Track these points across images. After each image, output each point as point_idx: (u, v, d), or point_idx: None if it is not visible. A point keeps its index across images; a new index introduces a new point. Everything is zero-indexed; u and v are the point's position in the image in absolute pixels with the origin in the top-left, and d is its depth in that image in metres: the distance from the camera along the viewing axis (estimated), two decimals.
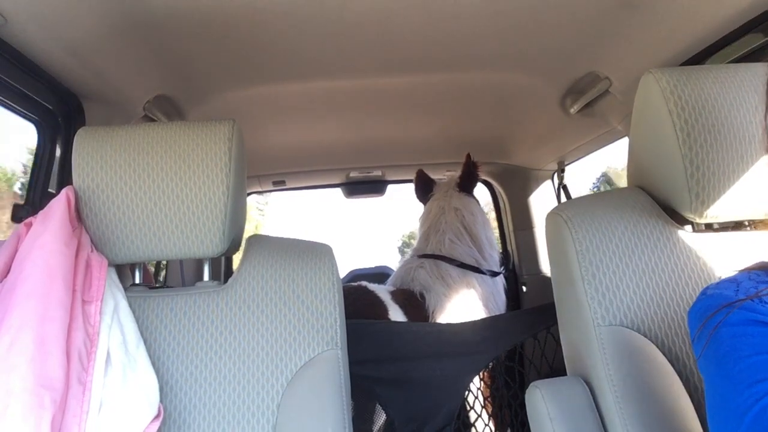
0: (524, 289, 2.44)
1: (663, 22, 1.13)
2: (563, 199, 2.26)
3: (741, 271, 0.64)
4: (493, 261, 2.10)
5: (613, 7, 1.14)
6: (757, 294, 0.57)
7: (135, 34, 1.13)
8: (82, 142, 0.95)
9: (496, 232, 2.48)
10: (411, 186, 2.37)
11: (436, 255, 1.99)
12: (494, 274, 2.06)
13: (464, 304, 1.89)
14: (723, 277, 0.67)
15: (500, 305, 2.04)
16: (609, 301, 0.83)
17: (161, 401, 0.85)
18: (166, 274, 2.10)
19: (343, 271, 2.86)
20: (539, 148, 2.20)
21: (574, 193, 2.24)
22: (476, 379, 1.69)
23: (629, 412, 0.76)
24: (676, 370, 0.79)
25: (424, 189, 2.26)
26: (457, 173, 2.20)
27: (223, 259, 2.33)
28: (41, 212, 0.90)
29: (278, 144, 2.09)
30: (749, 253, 0.88)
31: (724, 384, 0.55)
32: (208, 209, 0.94)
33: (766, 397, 0.50)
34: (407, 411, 1.54)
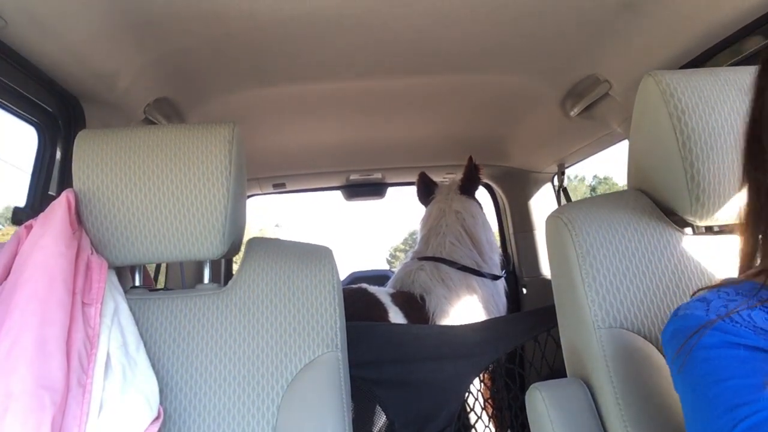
0: (524, 291, 2.44)
1: (663, 24, 1.13)
2: (563, 201, 2.26)
3: (710, 289, 0.63)
4: (494, 263, 2.10)
5: (612, 10, 1.14)
6: (728, 314, 0.56)
7: (135, 37, 1.14)
8: (83, 145, 0.95)
9: (497, 235, 2.48)
10: (408, 189, 2.37)
11: (437, 257, 1.99)
12: (495, 277, 2.05)
13: (464, 307, 1.89)
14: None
15: (500, 308, 2.03)
16: (609, 303, 0.83)
17: (161, 403, 0.85)
18: (166, 277, 2.10)
19: (342, 274, 2.86)
20: (539, 150, 2.20)
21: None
22: (476, 381, 1.68)
23: (629, 413, 0.76)
24: None
25: (426, 191, 2.26)
26: (458, 176, 2.20)
27: (223, 261, 2.33)
28: (41, 215, 0.90)
29: (278, 146, 2.09)
30: None
31: (701, 408, 0.54)
32: (208, 212, 0.94)
33: (743, 422, 0.49)
34: (407, 413, 1.53)
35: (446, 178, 2.38)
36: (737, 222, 0.67)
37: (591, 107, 1.59)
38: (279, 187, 2.50)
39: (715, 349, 0.55)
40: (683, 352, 0.57)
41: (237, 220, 0.98)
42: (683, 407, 0.58)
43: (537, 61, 1.42)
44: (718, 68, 0.92)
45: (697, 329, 0.57)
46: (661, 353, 0.80)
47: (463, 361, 1.60)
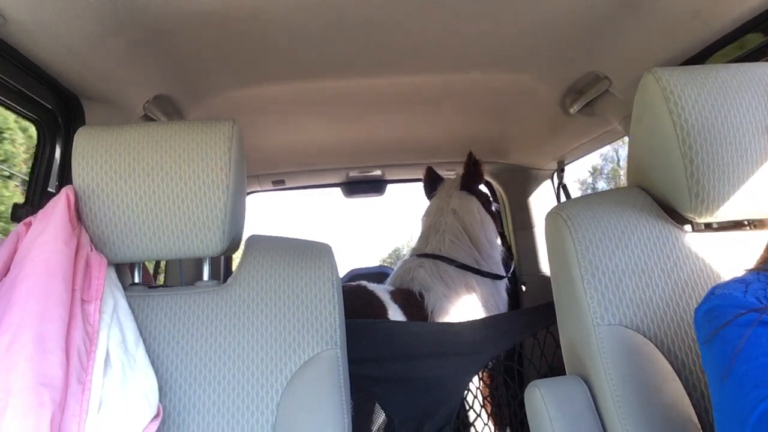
0: (524, 288, 2.44)
1: (663, 21, 1.13)
2: (563, 198, 2.26)
3: (750, 271, 0.64)
4: (493, 261, 2.09)
5: (613, 7, 1.14)
6: None
7: (135, 34, 1.13)
8: (82, 142, 0.95)
9: None
10: (407, 186, 2.36)
11: (436, 255, 1.99)
12: (495, 276, 2.05)
13: (463, 305, 1.88)
14: (723, 277, 0.67)
15: (501, 306, 2.03)
16: (608, 300, 0.83)
17: (160, 401, 0.86)
18: (165, 274, 2.10)
19: (341, 272, 2.85)
20: (539, 147, 2.19)
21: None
22: (475, 379, 1.68)
23: (628, 411, 0.76)
24: (675, 369, 0.79)
25: (432, 186, 2.25)
26: (461, 172, 2.19)
27: (222, 258, 2.33)
28: (41, 211, 0.90)
29: (278, 143, 2.09)
30: (749, 252, 0.88)
31: (730, 384, 0.55)
32: (207, 209, 0.94)
33: None
34: (406, 410, 1.54)
35: (450, 174, 2.38)
36: None
37: (591, 104, 1.59)
38: (278, 184, 2.50)
39: (748, 327, 0.56)
40: (716, 329, 0.58)
41: (236, 217, 0.98)
42: (711, 384, 0.59)
43: (537, 58, 1.42)
44: (718, 65, 0.92)
45: (747, 312, 0.57)
46: (660, 350, 0.80)
47: (462, 359, 1.60)
